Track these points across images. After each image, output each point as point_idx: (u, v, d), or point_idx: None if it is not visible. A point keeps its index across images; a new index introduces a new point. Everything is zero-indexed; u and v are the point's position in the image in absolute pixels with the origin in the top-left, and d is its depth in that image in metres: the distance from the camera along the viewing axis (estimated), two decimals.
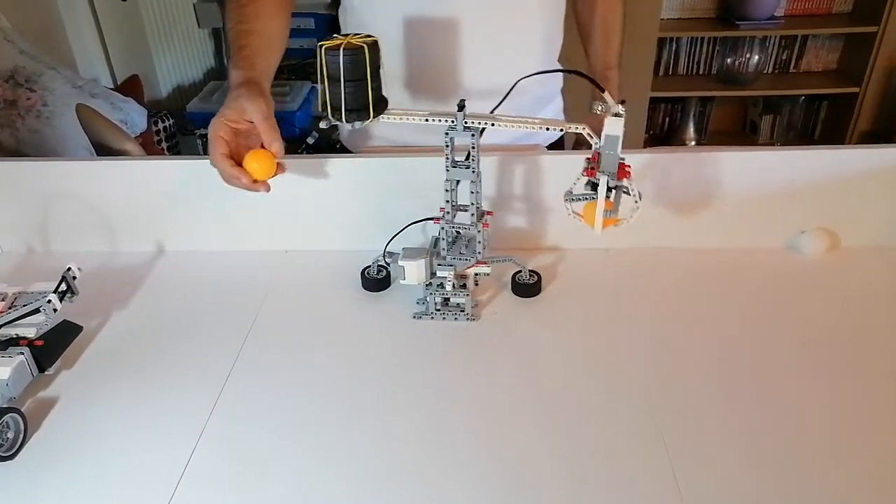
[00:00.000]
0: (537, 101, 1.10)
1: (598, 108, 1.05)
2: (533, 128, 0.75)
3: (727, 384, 0.72)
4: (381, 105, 0.75)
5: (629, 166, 0.73)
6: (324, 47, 0.70)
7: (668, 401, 0.70)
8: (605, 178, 0.72)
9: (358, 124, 0.75)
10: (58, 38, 2.29)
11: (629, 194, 0.73)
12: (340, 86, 0.71)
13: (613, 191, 0.73)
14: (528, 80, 0.94)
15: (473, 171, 0.77)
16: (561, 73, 1.11)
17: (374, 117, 0.74)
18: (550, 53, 1.09)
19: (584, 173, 0.74)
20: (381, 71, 0.73)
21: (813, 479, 0.61)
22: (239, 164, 0.78)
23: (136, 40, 2.64)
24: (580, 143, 1.14)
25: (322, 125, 0.77)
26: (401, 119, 0.76)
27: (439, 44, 0.98)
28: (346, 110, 0.73)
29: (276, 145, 0.78)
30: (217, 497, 0.62)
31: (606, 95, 0.70)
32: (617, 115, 0.70)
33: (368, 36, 0.72)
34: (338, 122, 0.74)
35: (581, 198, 0.75)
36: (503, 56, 1.00)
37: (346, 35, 0.71)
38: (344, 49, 0.69)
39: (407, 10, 0.95)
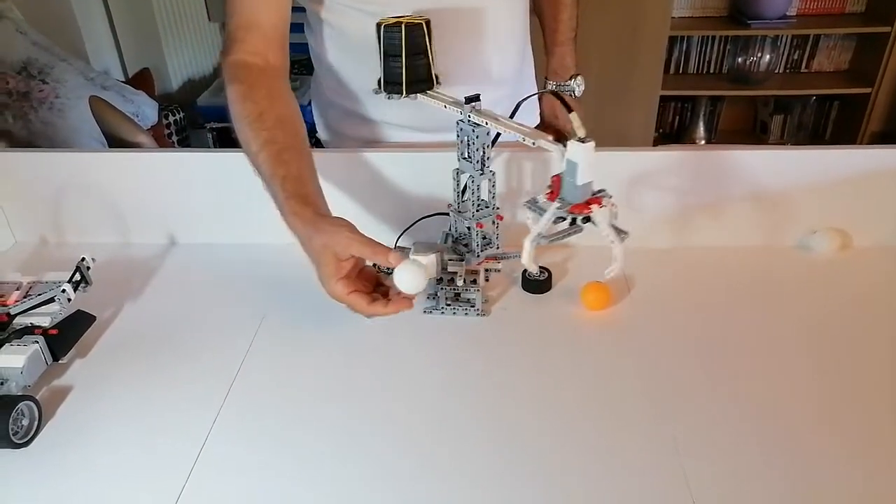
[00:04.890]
0: (517, 90, 1.05)
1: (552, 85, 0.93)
2: (522, 138, 0.70)
3: (738, 381, 0.72)
4: (432, 81, 0.78)
5: (607, 196, 0.65)
6: (382, 25, 0.74)
7: (677, 397, 0.70)
8: (555, 205, 0.65)
9: (414, 97, 0.77)
10: (70, 30, 2.30)
11: (607, 226, 0.65)
12: (401, 60, 0.74)
13: (571, 224, 0.67)
14: (507, 70, 1.01)
15: (485, 169, 0.77)
16: (530, 55, 1.10)
17: (433, 88, 0.78)
18: (525, 32, 1.07)
19: (546, 196, 0.67)
20: (431, 50, 0.76)
21: (822, 475, 0.61)
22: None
23: (147, 33, 2.65)
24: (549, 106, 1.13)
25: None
26: (436, 103, 0.78)
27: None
28: (406, 82, 0.75)
29: (392, 255, 0.70)
30: (229, 484, 0.62)
31: (573, 116, 0.64)
32: (581, 140, 0.63)
33: (420, 17, 0.75)
34: (396, 96, 0.77)
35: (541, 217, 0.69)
36: (483, 45, 0.98)
37: (401, 16, 0.75)
38: (406, 25, 0.73)
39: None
